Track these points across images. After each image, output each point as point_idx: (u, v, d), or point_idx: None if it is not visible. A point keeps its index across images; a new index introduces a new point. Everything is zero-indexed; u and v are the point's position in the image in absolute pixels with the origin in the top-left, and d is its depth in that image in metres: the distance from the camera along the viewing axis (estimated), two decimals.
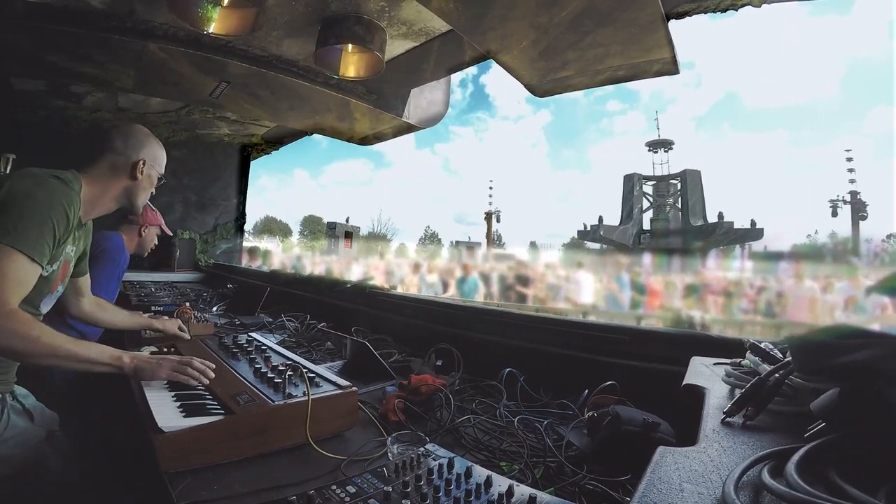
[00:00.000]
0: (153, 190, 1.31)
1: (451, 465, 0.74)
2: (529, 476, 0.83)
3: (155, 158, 1.26)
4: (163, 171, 1.31)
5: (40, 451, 1.10)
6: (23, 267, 0.92)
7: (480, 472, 0.73)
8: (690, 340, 1.17)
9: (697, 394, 0.75)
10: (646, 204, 28.44)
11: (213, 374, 1.04)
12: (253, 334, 1.51)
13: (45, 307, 1.14)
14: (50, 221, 0.97)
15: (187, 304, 2.20)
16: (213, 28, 1.87)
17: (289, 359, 1.20)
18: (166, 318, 1.66)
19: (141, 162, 1.21)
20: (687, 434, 0.66)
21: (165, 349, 1.37)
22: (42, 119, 3.76)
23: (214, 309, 2.60)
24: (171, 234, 2.47)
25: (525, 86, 2.24)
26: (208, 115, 3.84)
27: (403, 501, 0.65)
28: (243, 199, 5.15)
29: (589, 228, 27.99)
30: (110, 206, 1.21)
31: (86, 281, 1.44)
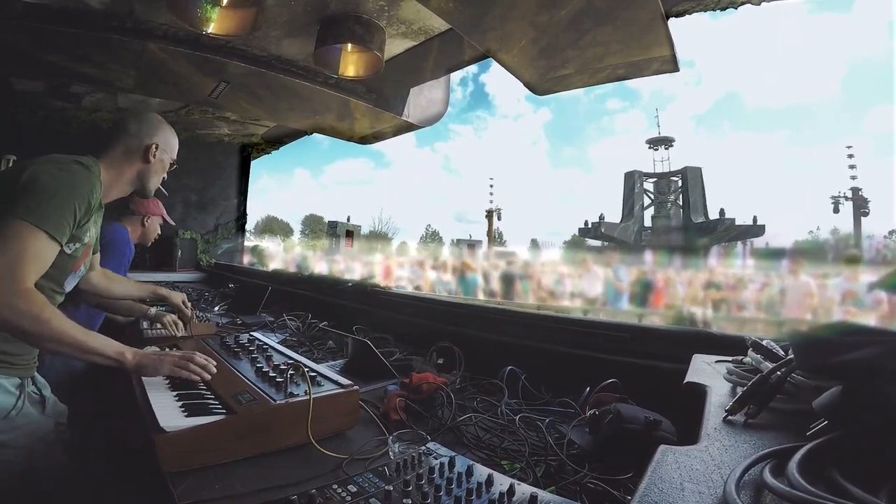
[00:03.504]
0: (165, 175, 1.34)
1: (452, 463, 0.74)
2: (531, 475, 0.83)
3: (167, 143, 1.29)
4: (175, 157, 1.34)
5: (49, 442, 1.10)
6: (43, 244, 0.95)
7: (482, 471, 0.73)
8: (692, 338, 1.17)
9: (699, 392, 0.75)
10: (647, 201, 28.39)
11: (214, 370, 1.05)
12: (254, 333, 1.51)
13: (69, 286, 1.17)
14: (72, 203, 1.00)
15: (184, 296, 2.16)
16: (212, 28, 1.87)
17: (290, 358, 1.20)
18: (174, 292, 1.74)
19: (154, 146, 1.24)
20: (688, 432, 0.66)
21: (168, 349, 1.37)
22: (42, 119, 3.77)
23: (216, 308, 2.60)
24: (173, 223, 2.45)
25: (525, 84, 2.24)
26: (208, 115, 3.85)
27: (405, 500, 0.65)
28: (244, 199, 5.16)
29: (590, 226, 27.96)
30: (125, 189, 1.25)
31: (97, 257, 1.49)
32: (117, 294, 1.61)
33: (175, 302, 1.60)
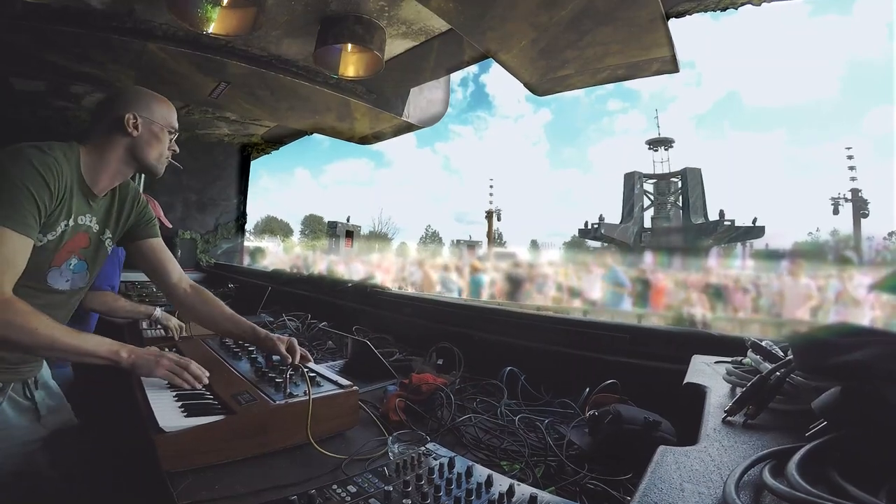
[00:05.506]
0: (170, 146, 1.17)
1: (451, 464, 0.74)
2: (530, 475, 0.83)
3: (150, 111, 1.13)
4: (169, 123, 1.16)
5: (31, 450, 1.07)
6: (10, 244, 0.89)
7: (481, 472, 0.73)
8: (691, 339, 1.17)
9: (698, 392, 0.75)
10: (647, 202, 28.41)
11: (206, 381, 1.02)
12: None
13: (59, 283, 1.07)
14: (26, 190, 0.92)
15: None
16: (212, 28, 1.87)
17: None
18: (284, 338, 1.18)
19: (131, 115, 1.09)
20: (688, 433, 0.67)
21: (167, 349, 1.37)
22: (42, 119, 3.76)
23: None
24: (170, 225, 2.34)
25: (525, 85, 2.24)
26: (208, 115, 3.84)
27: (404, 501, 0.65)
28: (244, 199, 5.15)
29: (590, 227, 27.96)
30: (119, 168, 1.12)
31: (158, 254, 1.29)
32: (203, 321, 1.34)
33: (282, 353, 1.14)
